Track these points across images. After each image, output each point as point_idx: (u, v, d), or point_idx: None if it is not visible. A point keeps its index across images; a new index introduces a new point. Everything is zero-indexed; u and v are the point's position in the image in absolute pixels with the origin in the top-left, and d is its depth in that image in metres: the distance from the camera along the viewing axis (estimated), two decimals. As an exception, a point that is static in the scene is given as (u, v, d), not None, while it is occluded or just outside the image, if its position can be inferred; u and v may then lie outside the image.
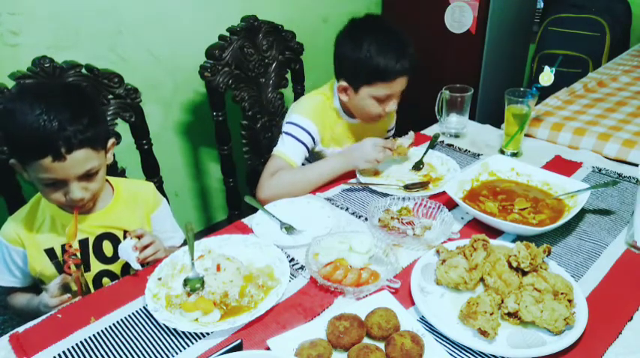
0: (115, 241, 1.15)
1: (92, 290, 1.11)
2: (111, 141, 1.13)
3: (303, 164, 1.45)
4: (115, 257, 1.14)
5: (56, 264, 1.01)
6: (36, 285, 1.11)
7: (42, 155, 0.95)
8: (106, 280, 1.15)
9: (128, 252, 1.04)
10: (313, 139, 1.45)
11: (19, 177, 1.26)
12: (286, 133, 1.43)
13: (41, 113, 0.94)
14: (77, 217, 1.06)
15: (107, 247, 1.15)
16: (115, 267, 1.16)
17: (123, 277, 1.12)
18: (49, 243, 1.11)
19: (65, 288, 1.00)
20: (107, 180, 1.20)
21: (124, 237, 1.15)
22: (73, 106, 1.00)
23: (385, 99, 1.39)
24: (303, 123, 1.43)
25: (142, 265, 1.07)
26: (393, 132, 1.74)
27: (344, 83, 1.41)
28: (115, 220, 1.16)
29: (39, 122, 0.94)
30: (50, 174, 0.98)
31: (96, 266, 1.14)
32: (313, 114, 1.44)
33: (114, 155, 1.20)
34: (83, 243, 1.12)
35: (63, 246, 1.10)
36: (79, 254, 1.05)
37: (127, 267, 1.16)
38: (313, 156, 1.52)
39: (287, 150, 1.41)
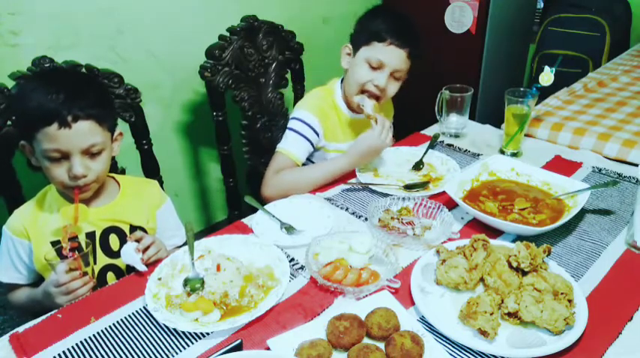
0: (122, 235, 1.16)
1: (95, 276, 1.10)
2: (118, 131, 1.15)
3: (306, 161, 1.47)
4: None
5: (57, 250, 1.01)
6: (39, 283, 1.11)
7: (48, 122, 0.99)
8: (110, 275, 1.16)
9: (131, 255, 1.04)
10: (317, 133, 1.46)
11: (20, 176, 1.27)
12: (290, 129, 1.46)
13: (49, 87, 1.01)
14: (78, 198, 1.06)
15: (114, 241, 1.15)
16: (121, 262, 1.16)
17: (127, 272, 1.13)
18: (55, 235, 1.10)
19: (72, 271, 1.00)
20: (113, 177, 1.21)
21: (131, 231, 1.16)
22: (81, 86, 1.07)
23: (377, 66, 1.40)
24: (306, 118, 1.45)
25: (147, 265, 1.07)
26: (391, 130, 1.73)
27: (349, 46, 1.46)
28: (121, 214, 1.16)
29: (47, 96, 1.00)
30: (55, 144, 1.00)
31: (102, 260, 1.14)
32: (315, 109, 1.47)
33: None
34: (90, 237, 1.12)
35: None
36: (81, 238, 1.04)
37: None
38: (317, 153, 1.52)
39: (290, 146, 1.43)
